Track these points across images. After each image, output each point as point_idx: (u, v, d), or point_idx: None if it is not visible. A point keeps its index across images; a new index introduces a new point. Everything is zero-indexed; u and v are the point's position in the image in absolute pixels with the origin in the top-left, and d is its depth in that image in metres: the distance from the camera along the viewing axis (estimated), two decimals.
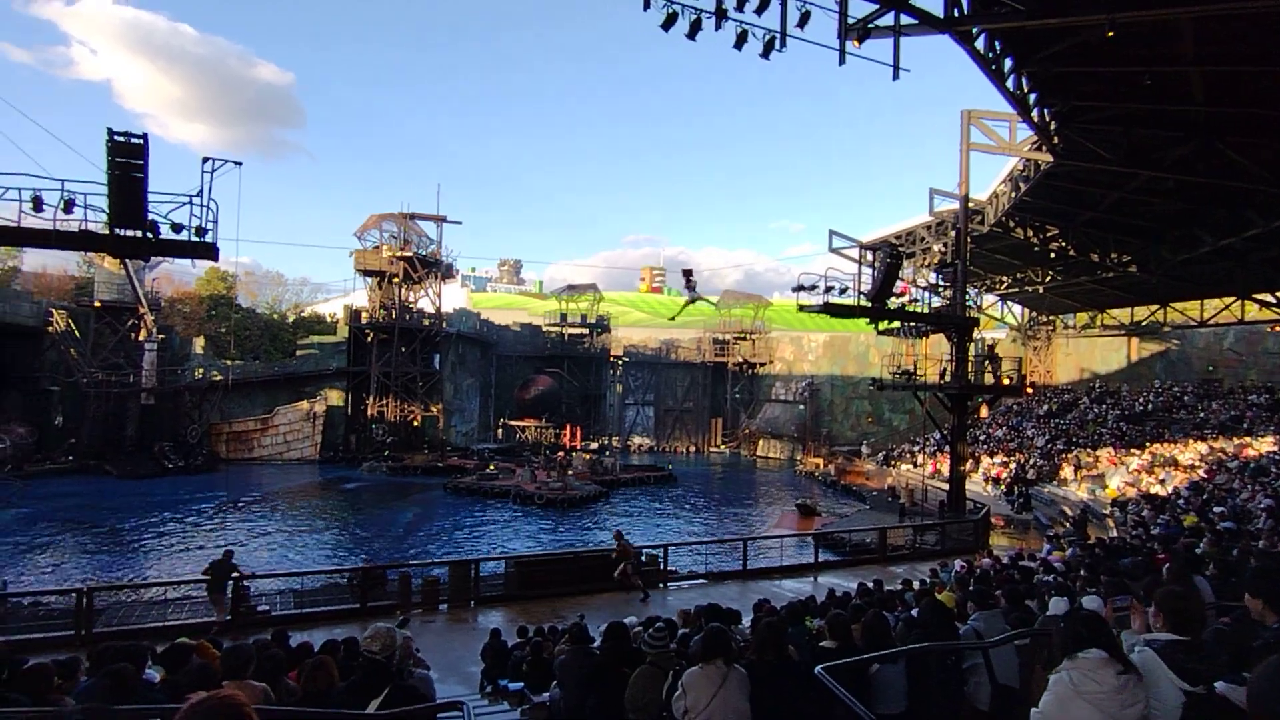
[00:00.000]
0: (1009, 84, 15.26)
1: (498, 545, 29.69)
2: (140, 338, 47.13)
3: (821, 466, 51.35)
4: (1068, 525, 23.36)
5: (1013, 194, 25.75)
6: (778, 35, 13.62)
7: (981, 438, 42.50)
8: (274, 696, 4.83)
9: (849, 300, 22.07)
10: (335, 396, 52.99)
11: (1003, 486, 33.29)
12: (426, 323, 54.49)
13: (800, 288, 21.94)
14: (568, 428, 58.85)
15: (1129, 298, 38.13)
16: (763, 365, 67.63)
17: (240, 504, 36.52)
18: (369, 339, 53.41)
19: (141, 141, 15.08)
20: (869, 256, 22.88)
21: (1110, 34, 10.96)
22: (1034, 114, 17.11)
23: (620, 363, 69.45)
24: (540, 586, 16.69)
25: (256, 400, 51.08)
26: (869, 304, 22.20)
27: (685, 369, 69.43)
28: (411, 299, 55.11)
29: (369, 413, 52.69)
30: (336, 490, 41.69)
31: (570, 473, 42.49)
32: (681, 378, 69.39)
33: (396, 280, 53.47)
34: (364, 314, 54.44)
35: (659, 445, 67.95)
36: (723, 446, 67.21)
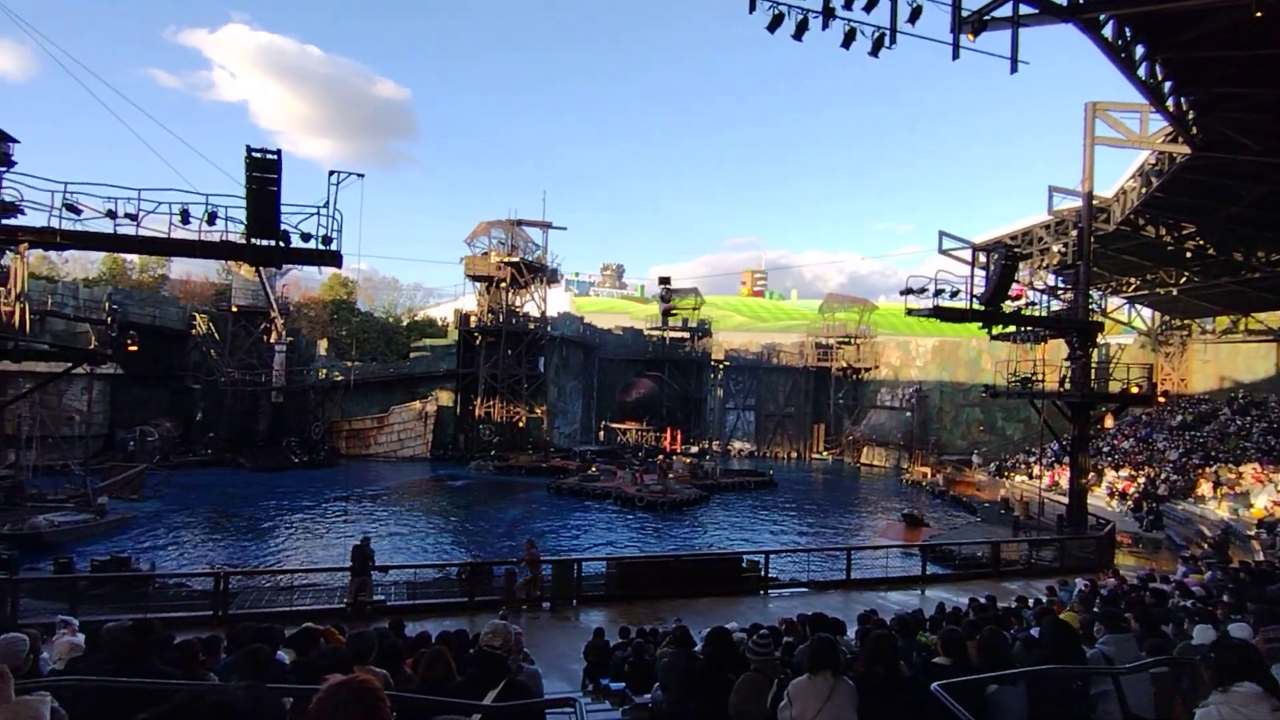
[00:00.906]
0: (1140, 73, 14.31)
1: (599, 546, 30.08)
2: (271, 340, 50.45)
3: (929, 476, 49.55)
4: (1206, 546, 21.67)
5: (1143, 189, 24.13)
6: (887, 32, 13.28)
7: (1105, 449, 39.94)
8: (393, 683, 5.06)
9: (960, 304, 21.23)
10: (445, 397, 55.06)
11: (1129, 502, 31.19)
12: (532, 326, 55.90)
13: (908, 291, 21.27)
14: (668, 431, 59.04)
15: (1278, 299, 35.04)
16: (867, 370, 65.86)
17: (358, 498, 38.46)
18: (477, 342, 55.25)
19: (275, 157, 16.16)
20: (982, 258, 21.94)
21: (1258, 14, 10.13)
22: (1169, 104, 15.98)
23: (721, 367, 69.15)
24: (641, 588, 16.81)
25: (373, 399, 53.76)
26: (982, 308, 21.29)
27: (787, 373, 68.42)
28: (518, 303, 56.67)
29: (477, 413, 54.48)
30: (446, 487, 43.29)
31: (671, 476, 42.60)
32: (783, 382, 68.43)
33: (504, 285, 55.11)
34: (473, 318, 56.34)
35: (759, 450, 67.20)
36: (825, 453, 65.84)
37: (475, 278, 56.46)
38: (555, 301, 63.89)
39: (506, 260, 54.98)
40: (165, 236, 16.87)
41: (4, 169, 15.73)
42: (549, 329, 57.28)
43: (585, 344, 64.86)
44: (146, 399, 47.28)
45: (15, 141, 15.98)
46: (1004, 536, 25.71)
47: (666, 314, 67.46)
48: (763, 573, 18.51)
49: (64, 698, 3.89)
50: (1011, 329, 27.12)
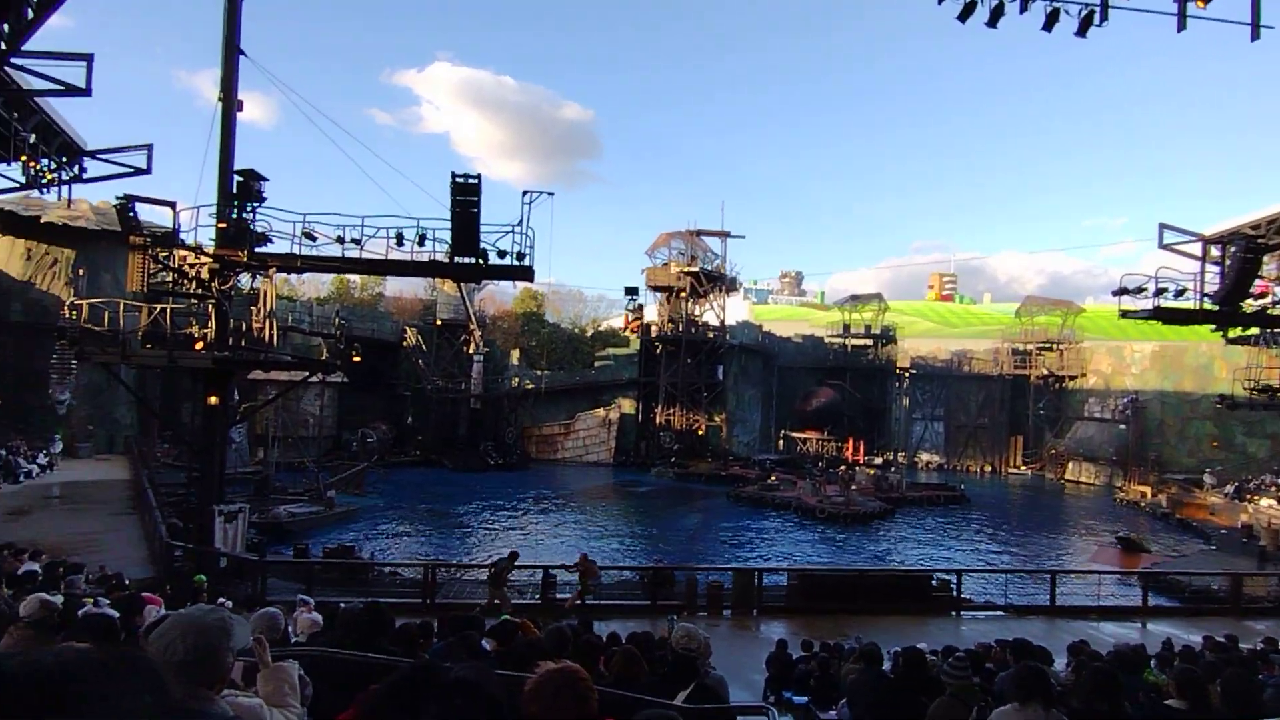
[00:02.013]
0: None
1: (778, 556, 29.70)
2: (470, 351, 54.42)
3: (1149, 496, 44.41)
4: None
5: None
6: (1097, 8, 12.24)
7: None
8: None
9: (1187, 304, 18.95)
10: (628, 405, 56.68)
11: None
12: (711, 335, 56.31)
13: (1123, 291, 19.30)
14: (850, 441, 57.18)
15: None
16: (1073, 379, 60.35)
17: (548, 500, 40.49)
18: (658, 351, 56.46)
19: (476, 181, 17.51)
20: (1214, 252, 19.48)
21: None
22: None
23: (907, 375, 66.02)
24: (823, 601, 16.47)
25: (561, 407, 56.43)
26: (1215, 308, 18.90)
27: (980, 382, 64.10)
28: (697, 312, 57.32)
29: (657, 420, 55.61)
30: (628, 492, 44.53)
31: (853, 487, 41.23)
32: (975, 391, 64.15)
33: (683, 295, 55.95)
34: (654, 327, 57.65)
35: (949, 463, 63.40)
36: (1023, 467, 60.92)
37: (656, 288, 57.75)
38: (734, 310, 63.89)
39: (686, 270, 55.78)
40: (383, 258, 18.78)
41: (257, 205, 18.17)
42: (728, 337, 57.44)
43: (764, 352, 64.37)
44: (366, 404, 52.61)
45: (265, 180, 18.40)
46: (1246, 568, 22.62)
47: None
48: (955, 592, 17.51)
49: (306, 667, 4.47)
50: (1254, 331, 23.84)
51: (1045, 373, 61.07)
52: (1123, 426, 54.89)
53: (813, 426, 60.46)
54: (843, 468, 47.69)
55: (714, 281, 56.83)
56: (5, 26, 18.15)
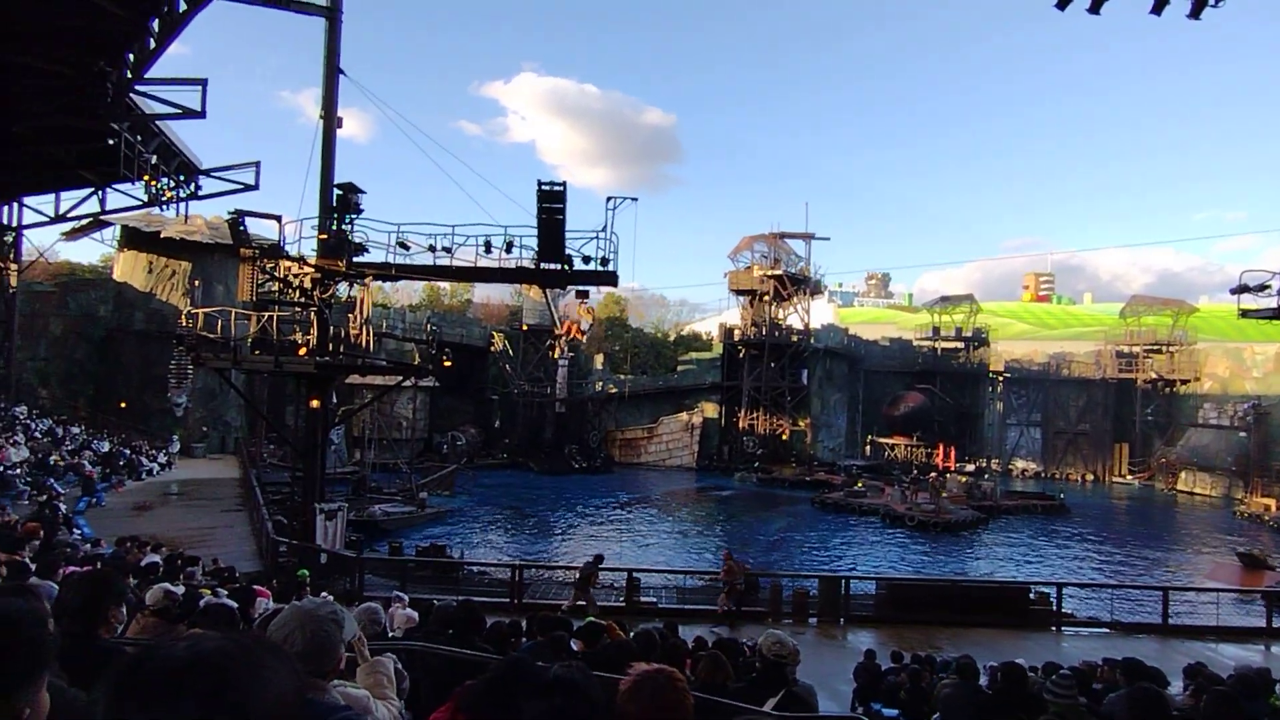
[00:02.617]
0: None
1: (866, 564, 29.04)
2: (555, 355, 55.34)
3: (1273, 509, 41.33)
4: None
5: None
6: None
7: None
8: None
9: None
10: (710, 409, 56.52)
11: None
12: (794, 339, 55.61)
13: (1243, 289, 18.11)
14: (940, 447, 55.34)
15: None
16: (1185, 383, 56.84)
17: (631, 503, 40.76)
18: (741, 355, 56.12)
19: (562, 189, 17.85)
20: None
21: None
22: None
23: (1001, 379, 63.48)
24: (914, 611, 16.03)
25: (644, 411, 56.75)
26: None
27: (1080, 386, 61.05)
28: (781, 316, 56.71)
29: (740, 425, 55.24)
30: (711, 497, 44.37)
31: (944, 495, 39.87)
32: (1075, 396, 61.11)
33: (767, 298, 55.46)
34: (736, 331, 57.35)
35: (1047, 471, 60.59)
36: (1129, 477, 57.63)
37: (739, 292, 57.46)
38: (818, 313, 62.97)
39: (769, 274, 55.28)
40: (472, 265, 19.37)
41: (355, 216, 19.01)
42: (812, 341, 56.64)
43: (850, 356, 63.07)
44: (455, 408, 54.21)
45: (363, 193, 19.23)
46: None
47: None
48: (1055, 607, 16.73)
49: (403, 661, 4.65)
50: None
51: (1154, 376, 57.74)
52: (1243, 434, 51.27)
53: (901, 432, 58.86)
54: (933, 474, 46.22)
55: (798, 284, 56.12)
56: (130, 57, 19.60)
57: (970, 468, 53.77)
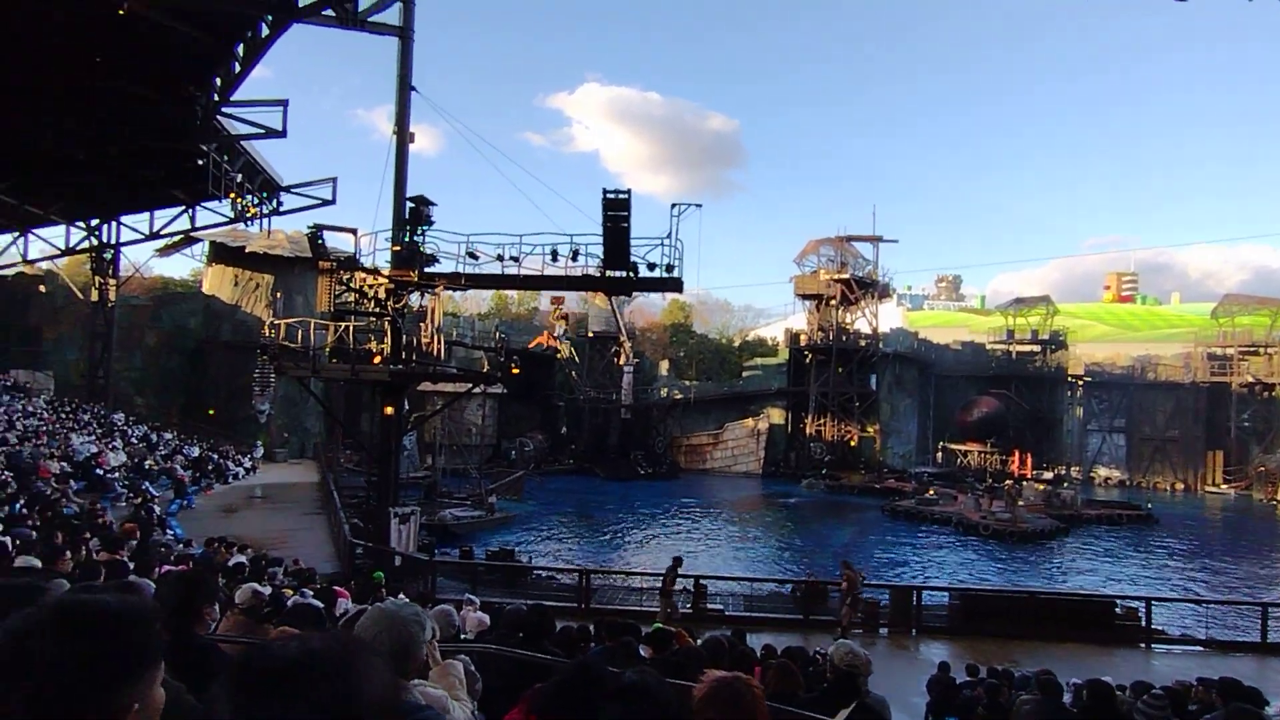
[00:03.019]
0: None
1: (938, 574, 28.29)
2: (620, 362, 55.74)
3: None
4: None
5: None
6: None
7: None
8: None
9: None
10: (776, 415, 56.00)
11: None
12: (863, 343, 54.70)
13: None
14: (1016, 454, 53.55)
15: None
16: None
17: (697, 509, 40.65)
18: (807, 360, 55.47)
19: (626, 197, 18.02)
20: None
21: None
22: None
23: (1080, 383, 61.06)
24: (989, 624, 15.54)
25: (709, 417, 56.61)
26: None
27: (1168, 390, 58.24)
28: (848, 320, 55.86)
29: (807, 431, 54.54)
30: (778, 504, 43.91)
31: (1021, 503, 38.53)
32: (1162, 401, 58.31)
33: (833, 302, 54.69)
34: (802, 336, 56.73)
35: (1132, 479, 57.98)
36: (1224, 486, 54.64)
37: (805, 296, 56.85)
38: (887, 317, 61.72)
39: (836, 277, 54.52)
40: (539, 274, 19.71)
41: (426, 228, 19.57)
42: (880, 345, 55.58)
43: (920, 360, 61.62)
44: (523, 414, 55.09)
45: (434, 205, 19.79)
46: None
47: None
48: (1143, 622, 16.00)
49: (475, 663, 4.77)
50: None
51: (1250, 380, 54.77)
52: None
53: (974, 438, 57.16)
54: (1009, 482, 44.73)
55: (865, 288, 55.22)
56: (217, 81, 20.65)
57: (1048, 475, 51.94)
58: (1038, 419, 59.42)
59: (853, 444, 54.47)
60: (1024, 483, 45.65)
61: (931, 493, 42.62)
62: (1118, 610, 16.32)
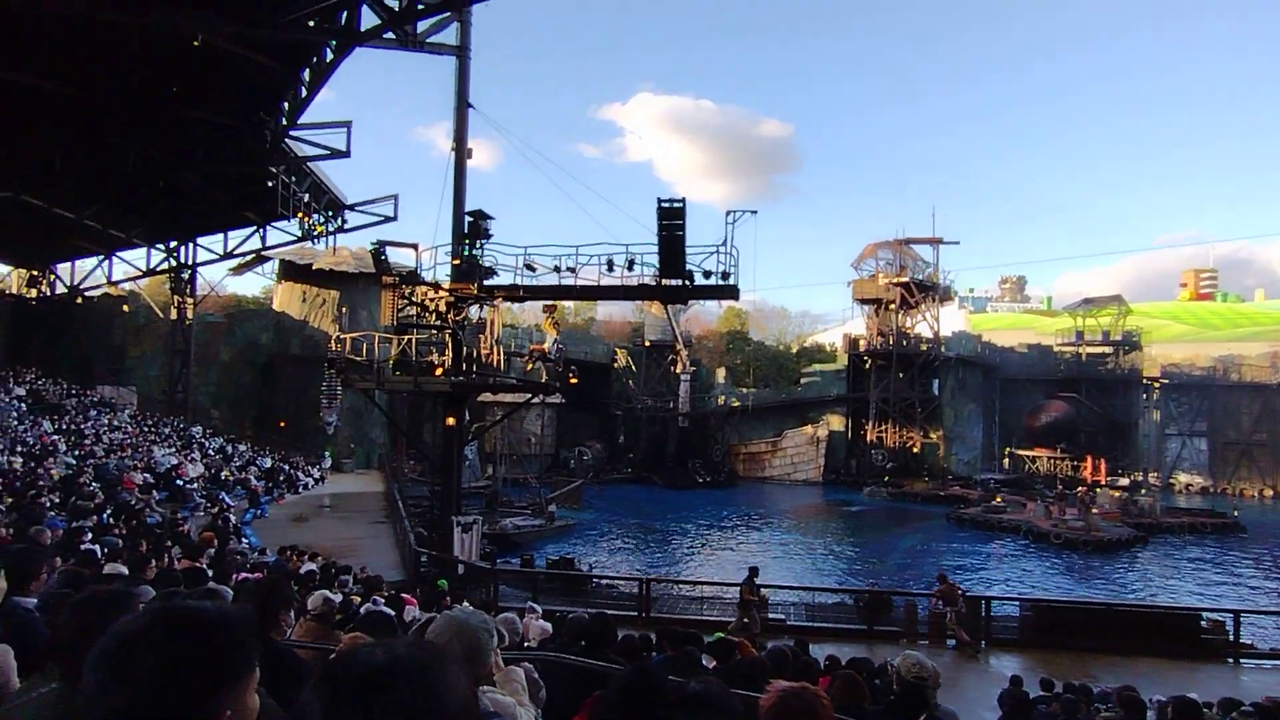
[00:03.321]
0: None
1: (1006, 584, 27.43)
2: (677, 370, 55.75)
3: None
4: None
5: None
6: None
7: None
8: None
9: None
10: (836, 422, 55.22)
11: None
12: (924, 347, 53.58)
13: None
14: (1089, 460, 51.66)
15: None
16: None
17: (756, 518, 40.31)
18: (867, 366, 54.58)
19: (681, 205, 18.05)
20: None
21: None
22: None
23: (1157, 385, 58.58)
24: (1064, 636, 15.00)
25: (767, 424, 56.12)
26: None
27: (1253, 392, 55.45)
28: (908, 324, 54.80)
29: (868, 438, 53.62)
30: (839, 512, 43.26)
31: (1095, 511, 37.11)
32: (1248, 403, 55.53)
33: (893, 306, 53.75)
34: (861, 341, 55.84)
35: (1216, 486, 55.31)
36: None
37: (863, 301, 56.02)
38: (948, 320, 60.28)
39: (895, 281, 53.58)
40: (595, 284, 19.88)
41: (485, 241, 19.95)
42: (943, 349, 54.32)
43: (984, 364, 60.01)
44: (581, 424, 55.53)
45: (491, 218, 20.17)
46: None
47: None
48: (1231, 636, 15.23)
49: (538, 671, 4.84)
50: None
51: None
52: None
53: (1043, 444, 55.40)
54: (1082, 489, 43.17)
55: (926, 291, 54.10)
56: (285, 105, 21.47)
57: (1124, 482, 49.91)
58: (1111, 423, 57.27)
59: (915, 450, 53.35)
60: (1098, 489, 43.99)
61: (999, 500, 41.46)
62: (1203, 623, 15.57)
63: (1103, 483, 47.97)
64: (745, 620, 14.79)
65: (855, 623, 16.63)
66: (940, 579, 16.06)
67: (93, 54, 18.59)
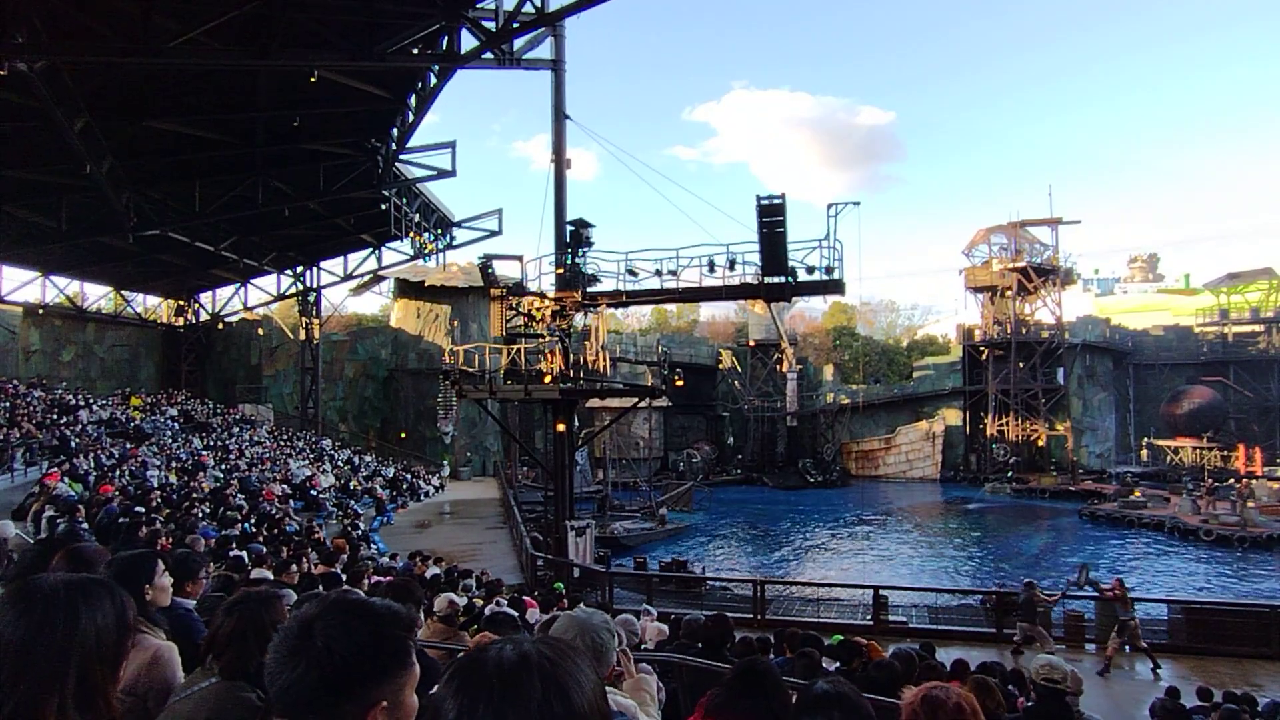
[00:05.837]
0: None
1: (1151, 583, 25.56)
2: (783, 369, 54.97)
3: None
4: None
5: None
6: None
7: None
8: None
9: None
10: (952, 416, 53.02)
11: None
12: (1045, 335, 50.69)
13: None
14: (1241, 449, 47.46)
15: None
16: None
17: (871, 517, 39.21)
18: (983, 356, 52.12)
19: (780, 201, 17.82)
20: None
21: None
22: None
23: None
24: (1219, 642, 13.84)
25: (879, 421, 54.54)
26: None
27: None
28: (1027, 311, 51.99)
29: (988, 432, 51.19)
30: (959, 510, 41.50)
31: (1251, 505, 34.05)
32: None
33: (1009, 293, 51.09)
34: (976, 331, 53.40)
35: None
36: None
37: (977, 289, 53.52)
38: (1072, 305, 56.79)
39: (1010, 266, 50.93)
40: (697, 286, 19.87)
41: (587, 249, 20.32)
42: (1066, 336, 51.17)
43: (1114, 350, 56.17)
44: (688, 426, 55.58)
45: (592, 226, 20.52)
46: None
47: None
48: None
49: (656, 672, 4.86)
50: None
51: None
52: None
53: (1185, 433, 51.26)
54: (1242, 481, 39.69)
55: (1045, 275, 51.13)
56: (394, 131, 22.54)
57: None
58: (1265, 408, 52.44)
59: (1040, 443, 50.57)
60: (1254, 481, 40.35)
61: (1138, 494, 38.68)
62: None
63: (1258, 473, 43.96)
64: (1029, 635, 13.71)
65: (983, 625, 15.90)
66: (1116, 584, 14.27)
67: (226, 100, 20.16)
